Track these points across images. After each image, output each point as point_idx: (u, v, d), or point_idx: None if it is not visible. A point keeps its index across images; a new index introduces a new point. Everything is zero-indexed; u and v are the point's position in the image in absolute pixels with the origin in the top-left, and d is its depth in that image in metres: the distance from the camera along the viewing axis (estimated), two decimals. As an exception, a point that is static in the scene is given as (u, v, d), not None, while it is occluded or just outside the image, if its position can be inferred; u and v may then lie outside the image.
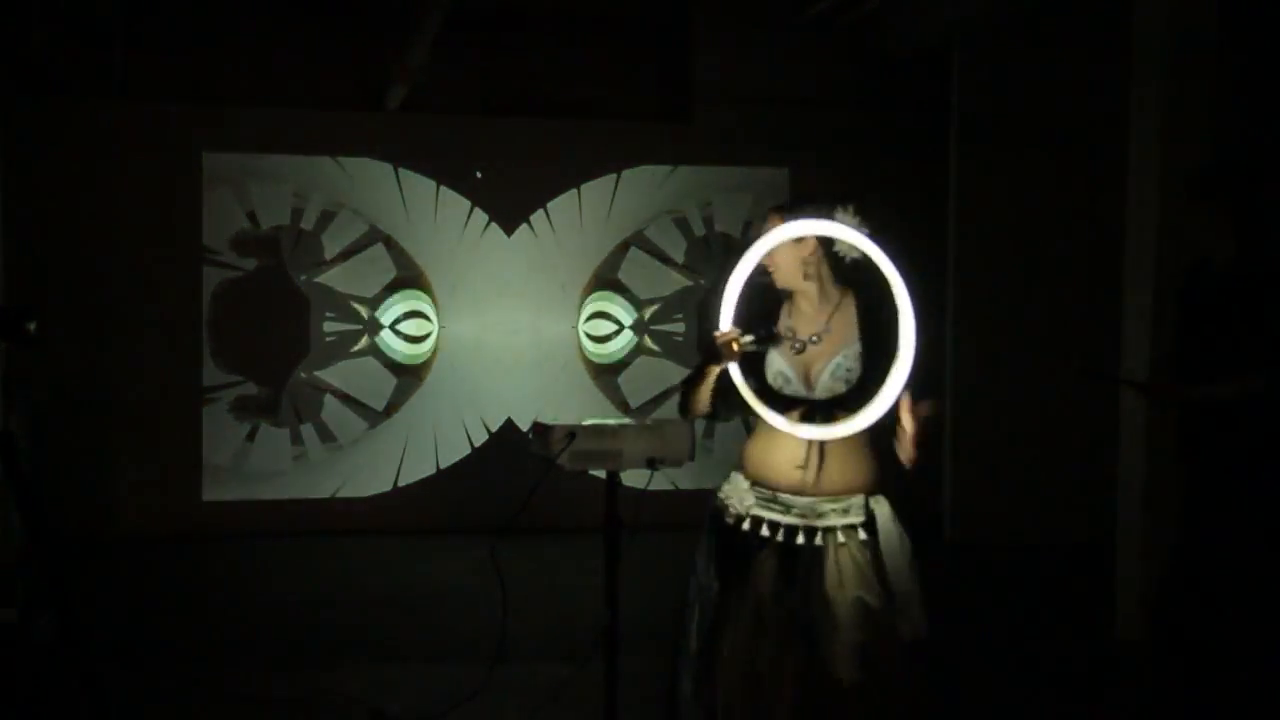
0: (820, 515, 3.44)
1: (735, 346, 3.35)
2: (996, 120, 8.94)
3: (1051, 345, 8.97)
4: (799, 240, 3.43)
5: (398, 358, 9.35)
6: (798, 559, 3.43)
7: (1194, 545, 4.23)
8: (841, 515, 3.45)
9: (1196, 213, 4.26)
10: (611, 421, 3.71)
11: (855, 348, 3.43)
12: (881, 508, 3.47)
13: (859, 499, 3.46)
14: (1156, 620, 4.52)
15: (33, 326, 3.50)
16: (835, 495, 3.45)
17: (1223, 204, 4.20)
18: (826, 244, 3.43)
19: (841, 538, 3.43)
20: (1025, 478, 8.92)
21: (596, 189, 9.57)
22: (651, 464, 3.69)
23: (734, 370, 3.38)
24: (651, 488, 3.68)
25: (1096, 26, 8.50)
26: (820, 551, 3.43)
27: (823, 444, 3.42)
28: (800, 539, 3.44)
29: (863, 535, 3.44)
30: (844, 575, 3.40)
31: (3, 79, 8.00)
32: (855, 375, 3.41)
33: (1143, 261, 6.39)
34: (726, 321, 3.37)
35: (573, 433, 3.61)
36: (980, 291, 8.97)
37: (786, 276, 3.48)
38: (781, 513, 3.47)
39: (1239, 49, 7.75)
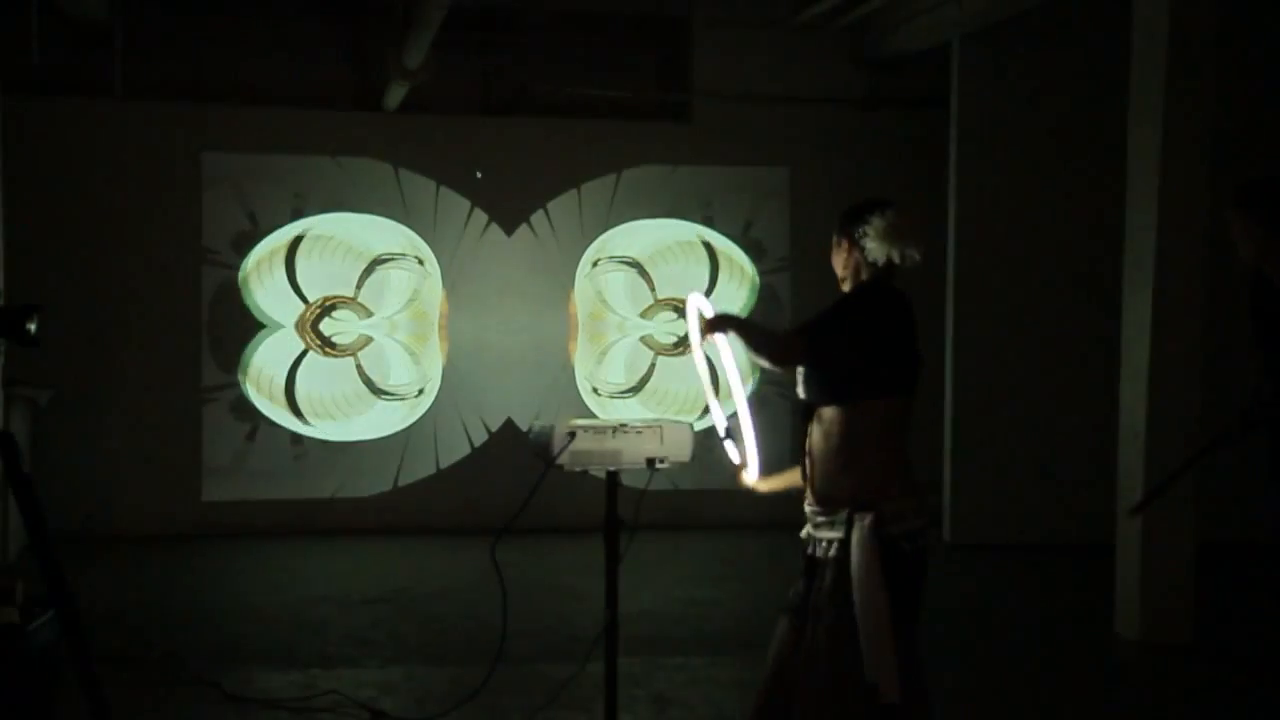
0: (817, 526, 3.40)
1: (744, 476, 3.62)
2: (996, 120, 8.94)
3: (1051, 345, 8.98)
4: (839, 244, 3.49)
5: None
6: (814, 571, 3.40)
7: None
8: (829, 528, 3.35)
9: (1238, 223, 4.21)
10: (611, 421, 3.71)
11: None
12: (860, 523, 3.27)
13: (843, 512, 3.31)
14: None
15: (33, 326, 3.50)
16: (822, 506, 3.37)
17: (1262, 215, 4.15)
18: (859, 249, 3.44)
19: (832, 553, 3.33)
20: (1025, 478, 8.93)
21: (596, 189, 9.57)
22: (651, 464, 3.69)
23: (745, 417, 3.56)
24: (651, 488, 3.68)
25: (1096, 27, 8.51)
26: (822, 565, 3.36)
27: (810, 447, 3.41)
28: (809, 550, 3.43)
29: (840, 552, 3.30)
30: (824, 595, 3.31)
31: (3, 79, 8.00)
32: (805, 371, 3.42)
33: (1143, 261, 6.39)
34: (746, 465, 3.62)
35: (573, 433, 3.61)
36: (980, 291, 8.97)
37: (840, 280, 3.54)
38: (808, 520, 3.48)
39: (1239, 49, 7.76)
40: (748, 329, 3.47)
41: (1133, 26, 6.51)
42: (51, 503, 3.78)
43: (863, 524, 3.26)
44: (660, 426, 3.70)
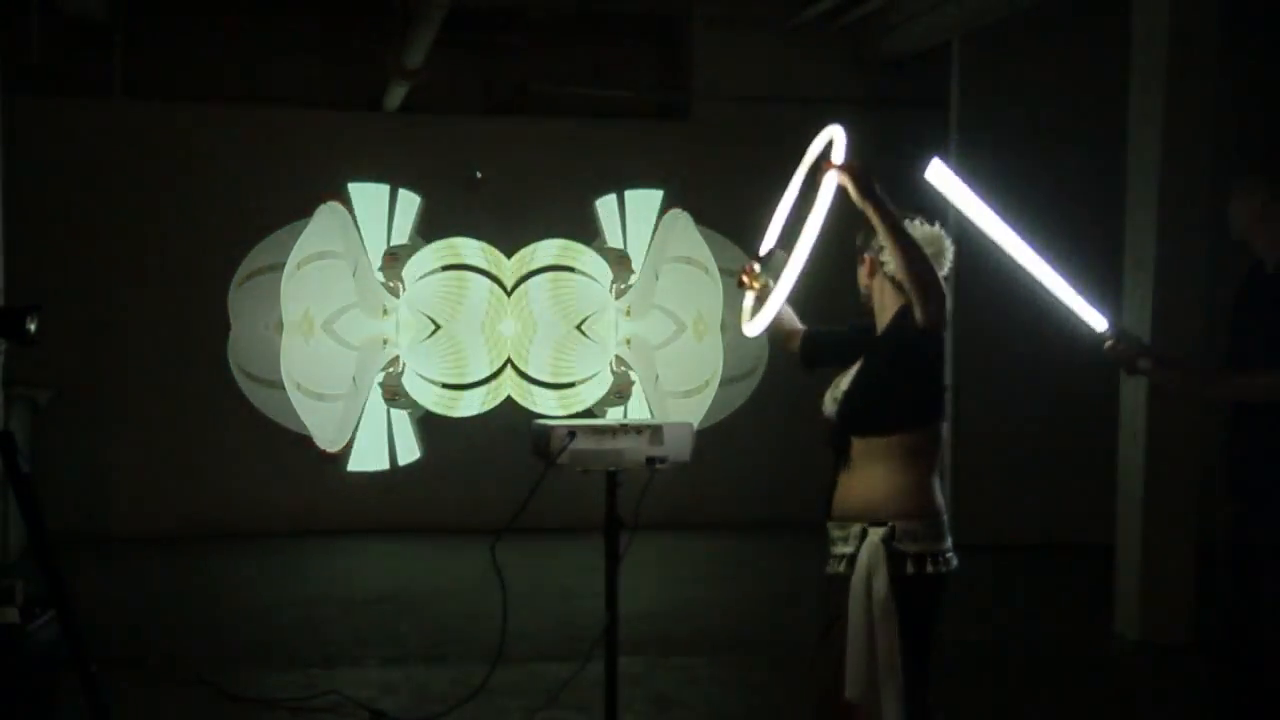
0: (833, 543, 3.27)
1: (746, 279, 3.53)
2: (996, 120, 8.93)
3: (1051, 346, 8.94)
4: (860, 259, 3.49)
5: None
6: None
7: (1242, 541, 4.16)
8: (843, 544, 3.23)
9: (1240, 192, 4.22)
10: (611, 422, 3.70)
11: (857, 366, 3.31)
12: (872, 538, 3.13)
13: (857, 526, 3.19)
14: (1221, 624, 4.43)
15: (33, 326, 3.50)
16: (840, 519, 3.24)
17: (1266, 179, 4.15)
18: (880, 266, 3.38)
19: (841, 569, 3.21)
20: (1025, 478, 8.92)
21: (596, 189, 9.56)
22: (651, 464, 3.68)
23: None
24: (651, 488, 3.67)
25: (1097, 26, 8.50)
26: (837, 582, 3.22)
27: (845, 460, 3.24)
28: (826, 568, 3.30)
29: (847, 569, 3.17)
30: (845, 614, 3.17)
31: (3, 79, 8.00)
32: (840, 392, 3.30)
33: (1143, 261, 6.39)
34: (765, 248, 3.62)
35: (573, 432, 3.60)
36: (980, 292, 8.96)
37: (861, 277, 3.48)
38: None
39: (1239, 49, 7.75)
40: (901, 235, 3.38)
41: (1133, 27, 6.51)
42: (51, 503, 3.78)
43: (872, 537, 3.14)
44: (660, 426, 3.70)
